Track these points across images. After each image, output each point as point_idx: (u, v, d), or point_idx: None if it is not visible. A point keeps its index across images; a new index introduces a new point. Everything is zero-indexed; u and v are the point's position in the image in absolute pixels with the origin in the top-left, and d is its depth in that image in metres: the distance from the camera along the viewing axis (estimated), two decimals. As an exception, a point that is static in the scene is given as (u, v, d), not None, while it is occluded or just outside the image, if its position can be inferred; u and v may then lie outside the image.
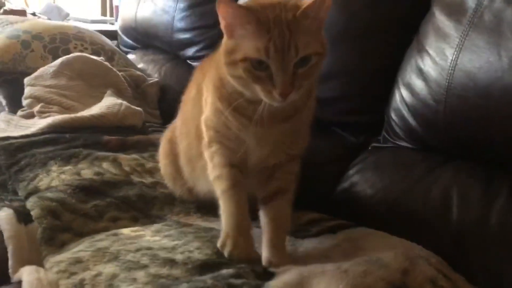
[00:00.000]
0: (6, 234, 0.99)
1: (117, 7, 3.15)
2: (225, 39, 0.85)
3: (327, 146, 1.37)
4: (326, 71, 1.30)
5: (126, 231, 1.03)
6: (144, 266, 0.88)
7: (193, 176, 1.11)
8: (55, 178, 1.18)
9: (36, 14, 3.08)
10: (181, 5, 2.06)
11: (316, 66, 0.84)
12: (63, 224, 1.03)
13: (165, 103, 1.98)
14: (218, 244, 0.93)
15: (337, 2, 1.32)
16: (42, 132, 1.45)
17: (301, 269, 0.86)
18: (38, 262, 0.95)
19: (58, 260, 0.91)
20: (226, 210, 0.93)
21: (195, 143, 1.05)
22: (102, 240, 0.98)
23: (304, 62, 0.80)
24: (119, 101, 1.63)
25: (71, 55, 1.84)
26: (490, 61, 0.99)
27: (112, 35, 2.57)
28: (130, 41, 2.46)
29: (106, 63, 1.89)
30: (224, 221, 0.93)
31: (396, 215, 1.11)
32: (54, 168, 1.22)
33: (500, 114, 0.99)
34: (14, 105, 1.77)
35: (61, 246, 0.98)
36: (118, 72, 1.91)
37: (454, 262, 0.95)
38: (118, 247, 0.95)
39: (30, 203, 1.08)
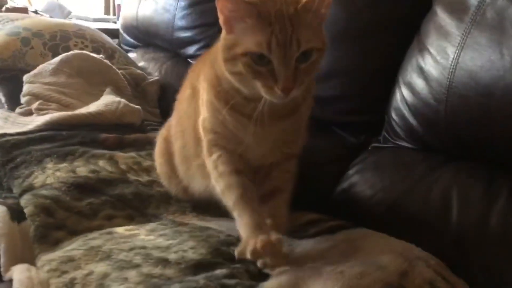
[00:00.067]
0: (-2, 232, 0.98)
1: (119, 5, 3.15)
2: (223, 35, 0.83)
3: (327, 146, 1.36)
4: (326, 70, 1.30)
5: (120, 229, 1.01)
6: (137, 266, 0.86)
7: (188, 175, 1.10)
8: (50, 175, 1.16)
9: (38, 12, 3.08)
10: (182, 3, 2.06)
11: (317, 62, 0.82)
12: (57, 222, 1.02)
13: (165, 102, 1.96)
14: (237, 253, 0.88)
15: (338, 1, 1.31)
16: (39, 129, 1.43)
17: (297, 270, 0.85)
18: (31, 260, 0.94)
19: (50, 258, 0.90)
20: (243, 221, 0.88)
21: (191, 142, 1.03)
22: (95, 239, 0.97)
23: (306, 57, 0.79)
24: (118, 99, 1.62)
25: (71, 52, 1.83)
26: (492, 59, 0.98)
27: (114, 33, 2.57)
28: (131, 40, 2.46)
29: (106, 61, 1.88)
30: (242, 231, 0.88)
31: (396, 216, 1.09)
32: (49, 165, 1.21)
33: (502, 113, 0.97)
34: (14, 102, 1.76)
35: (54, 244, 0.97)
36: (118, 70, 1.89)
37: (454, 263, 0.94)
38: (111, 246, 0.93)
39: (24, 200, 1.06)
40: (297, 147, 0.99)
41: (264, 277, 0.84)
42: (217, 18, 0.85)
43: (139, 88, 1.98)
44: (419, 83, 1.14)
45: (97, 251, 0.91)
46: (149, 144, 1.40)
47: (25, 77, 1.73)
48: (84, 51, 1.89)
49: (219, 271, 0.84)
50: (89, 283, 0.82)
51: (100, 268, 0.86)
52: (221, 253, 0.93)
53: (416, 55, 1.17)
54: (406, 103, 1.18)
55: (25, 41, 1.90)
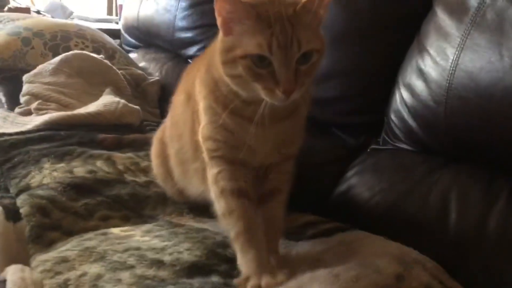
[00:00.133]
0: (-7, 232, 0.98)
1: (121, 6, 3.15)
2: (221, 37, 0.82)
3: (326, 147, 1.35)
4: (326, 71, 1.30)
5: (116, 230, 1.01)
6: (131, 267, 0.86)
7: (184, 179, 1.09)
8: (47, 175, 1.16)
9: (41, 12, 3.08)
10: (183, 4, 2.05)
11: (317, 63, 0.81)
12: (52, 222, 1.01)
13: (165, 102, 1.92)
14: (236, 283, 0.85)
15: (338, 1, 1.31)
16: (38, 129, 1.43)
17: (292, 274, 0.84)
18: (26, 261, 0.94)
19: (44, 259, 0.90)
20: (246, 258, 0.85)
21: (188, 146, 1.02)
22: (90, 240, 0.96)
23: (306, 59, 0.78)
24: (117, 99, 1.62)
25: (71, 52, 1.83)
26: (492, 61, 0.97)
27: (115, 34, 2.58)
28: (132, 40, 2.46)
29: (106, 61, 1.88)
30: (244, 266, 0.85)
31: (394, 218, 1.08)
32: (46, 165, 1.21)
33: (502, 115, 0.96)
34: (14, 102, 1.76)
35: (49, 245, 0.97)
36: (118, 70, 1.89)
37: (452, 266, 0.93)
38: (106, 247, 0.93)
39: (20, 200, 1.06)
40: (295, 148, 0.98)
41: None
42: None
43: (140, 88, 1.98)
44: (418, 85, 1.13)
45: (91, 252, 0.91)
46: (148, 145, 1.38)
47: (25, 77, 1.73)
48: (84, 51, 1.89)
49: (215, 279, 0.84)
50: (83, 284, 0.81)
51: (94, 269, 0.85)
52: (216, 255, 0.93)
53: (415, 56, 1.17)
54: (406, 104, 1.17)
55: (25, 41, 1.91)
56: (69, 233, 1.00)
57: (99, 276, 0.83)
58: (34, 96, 1.64)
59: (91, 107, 1.56)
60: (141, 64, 2.24)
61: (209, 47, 0.95)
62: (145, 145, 1.41)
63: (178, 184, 1.12)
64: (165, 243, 0.96)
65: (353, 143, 1.34)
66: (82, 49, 1.97)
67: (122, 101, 1.61)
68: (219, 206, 0.91)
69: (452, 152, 1.10)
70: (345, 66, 1.32)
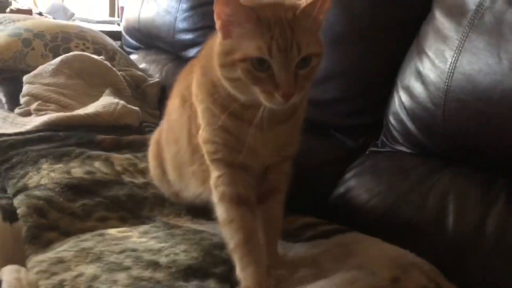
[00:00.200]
0: (-10, 233, 0.98)
1: (122, 8, 3.15)
2: (220, 40, 0.81)
3: (325, 149, 1.35)
4: (326, 73, 1.29)
5: (112, 231, 1.01)
6: (127, 268, 0.86)
7: (180, 181, 1.09)
8: (45, 176, 1.16)
9: (43, 14, 3.09)
10: (184, 5, 2.06)
11: (316, 67, 0.81)
12: (50, 222, 1.01)
13: (165, 104, 1.96)
14: None
15: (338, 3, 1.30)
16: (37, 129, 1.43)
17: (289, 277, 0.84)
18: (22, 261, 0.93)
19: (40, 259, 0.90)
20: (245, 270, 0.84)
21: (185, 149, 1.02)
22: (87, 240, 0.96)
23: (305, 63, 0.78)
24: (116, 100, 1.62)
25: (71, 53, 1.83)
26: (490, 63, 0.97)
27: (117, 35, 2.58)
28: (133, 42, 2.47)
29: (106, 62, 1.88)
30: (242, 278, 0.85)
31: (392, 221, 1.08)
32: (44, 166, 1.20)
33: (500, 118, 0.96)
34: (14, 103, 1.76)
35: (46, 245, 0.96)
36: (118, 71, 1.89)
37: (450, 269, 0.93)
38: (102, 247, 0.93)
39: (17, 201, 1.06)
40: (294, 149, 0.98)
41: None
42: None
43: (140, 89, 1.98)
44: (417, 87, 1.13)
45: (88, 252, 0.91)
46: (146, 146, 1.39)
47: (25, 78, 1.73)
48: (84, 53, 1.89)
49: (212, 284, 0.84)
50: (78, 285, 0.81)
51: (90, 270, 0.85)
52: (213, 256, 0.93)
53: (414, 59, 1.16)
54: (404, 107, 1.17)
55: (26, 42, 1.91)
56: (66, 234, 1.00)
57: (95, 277, 0.83)
58: (34, 97, 1.64)
59: (90, 108, 1.56)
60: (142, 65, 2.24)
61: (204, 49, 0.95)
62: (143, 146, 1.41)
63: (174, 186, 1.12)
64: (162, 244, 0.95)
65: (352, 145, 1.34)
66: (82, 50, 1.97)
67: (121, 102, 1.61)
68: (219, 212, 0.91)
69: (450, 154, 1.10)
70: (344, 68, 1.32)
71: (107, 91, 1.73)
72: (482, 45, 0.99)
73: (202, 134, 0.92)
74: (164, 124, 1.16)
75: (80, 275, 0.83)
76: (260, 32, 0.76)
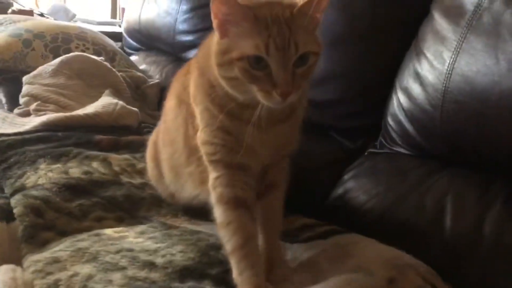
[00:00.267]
0: (-14, 232, 0.97)
1: (123, 9, 3.16)
2: (217, 39, 0.81)
3: (324, 151, 1.35)
4: (325, 74, 1.29)
5: (109, 231, 1.01)
6: (122, 268, 0.85)
7: (176, 183, 1.08)
8: (42, 176, 1.16)
9: (44, 15, 3.09)
10: (184, 7, 2.06)
11: (313, 66, 0.80)
12: (46, 222, 1.01)
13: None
14: None
15: (337, 4, 1.30)
16: (36, 130, 1.43)
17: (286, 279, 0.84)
18: (19, 261, 0.93)
19: (36, 259, 0.89)
20: (242, 274, 0.83)
21: (181, 150, 1.01)
22: (83, 240, 0.96)
23: (303, 61, 0.77)
24: (115, 100, 1.62)
25: (71, 54, 1.83)
26: (488, 65, 0.96)
27: (118, 37, 2.59)
28: (134, 43, 2.47)
29: (106, 63, 1.88)
30: (239, 282, 0.84)
31: (389, 222, 1.08)
32: (42, 166, 1.21)
33: (498, 119, 0.96)
34: (14, 103, 1.76)
35: (42, 245, 0.96)
36: (118, 72, 1.89)
37: (447, 270, 0.92)
38: (99, 247, 0.92)
39: (14, 200, 1.06)
40: (293, 148, 0.98)
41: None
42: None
43: (139, 90, 1.98)
44: (415, 88, 1.13)
45: (84, 252, 0.90)
46: (145, 146, 1.38)
47: (25, 78, 1.74)
48: (84, 53, 1.89)
49: (207, 286, 0.84)
50: (73, 285, 0.81)
51: (85, 269, 0.85)
52: (209, 257, 0.93)
53: (413, 60, 1.16)
54: (403, 108, 1.16)
55: (26, 43, 1.91)
56: (63, 234, 1.00)
57: (90, 277, 0.82)
58: (33, 97, 1.65)
59: (89, 109, 1.56)
60: (142, 66, 2.24)
61: (201, 50, 0.95)
62: (142, 146, 1.41)
63: (169, 188, 1.12)
64: (158, 245, 0.95)
65: (351, 147, 1.33)
66: (82, 51, 1.97)
67: (120, 102, 1.61)
68: (216, 214, 0.90)
69: (448, 155, 1.09)
70: (344, 69, 1.32)
71: (107, 91, 1.73)
72: (480, 46, 0.99)
73: (201, 136, 0.92)
74: (160, 125, 1.16)
75: (75, 274, 0.83)
76: (257, 31, 0.75)
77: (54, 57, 1.87)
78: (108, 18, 3.88)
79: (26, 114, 1.61)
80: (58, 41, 1.97)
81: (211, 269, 0.89)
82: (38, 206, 1.04)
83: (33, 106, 1.60)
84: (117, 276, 0.83)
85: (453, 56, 1.04)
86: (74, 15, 3.19)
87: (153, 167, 1.16)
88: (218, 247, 0.94)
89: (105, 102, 1.60)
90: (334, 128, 1.38)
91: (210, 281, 0.85)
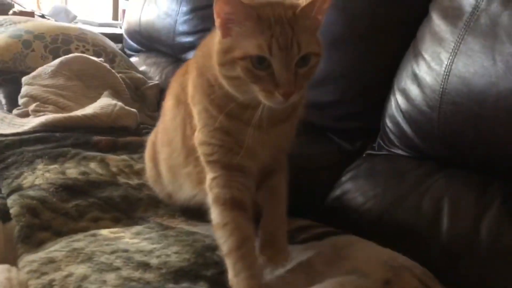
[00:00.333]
0: (-19, 232, 0.97)
1: (124, 10, 3.16)
2: (219, 39, 0.80)
3: (322, 152, 1.35)
4: (323, 75, 1.29)
5: (105, 232, 1.00)
6: (117, 269, 0.85)
7: (174, 183, 1.08)
8: (40, 176, 1.16)
9: (45, 16, 3.10)
10: (184, 8, 2.06)
11: (314, 67, 0.81)
12: (42, 222, 1.01)
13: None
14: None
15: (336, 5, 1.30)
16: (34, 130, 1.43)
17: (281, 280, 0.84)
18: (14, 261, 0.93)
19: (31, 259, 0.89)
20: (237, 276, 0.82)
21: (180, 150, 1.01)
22: (79, 241, 0.96)
23: (304, 62, 0.78)
24: (114, 101, 1.62)
25: (70, 55, 1.83)
26: (485, 66, 0.96)
27: (118, 38, 2.59)
28: (134, 44, 2.47)
29: (105, 64, 1.88)
30: (234, 284, 0.83)
31: (386, 224, 1.08)
32: (40, 166, 1.20)
33: (495, 121, 0.96)
34: (13, 104, 1.76)
35: (38, 245, 0.96)
36: (118, 74, 1.89)
37: (444, 272, 0.92)
38: (94, 248, 0.92)
39: (10, 200, 1.06)
40: (289, 147, 0.98)
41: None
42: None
43: (139, 92, 1.98)
44: (413, 90, 1.13)
45: (79, 253, 0.90)
46: (143, 147, 1.39)
47: (24, 79, 1.74)
48: (84, 54, 1.89)
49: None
50: (68, 285, 0.81)
51: (80, 270, 0.85)
52: (205, 258, 0.92)
53: (411, 61, 1.16)
54: (401, 110, 1.16)
55: (26, 44, 1.92)
56: (59, 234, 0.99)
57: (84, 277, 0.82)
58: (32, 98, 1.65)
59: (88, 109, 1.56)
60: (142, 68, 2.24)
61: (199, 49, 0.95)
62: (140, 147, 1.41)
63: (167, 188, 1.12)
64: (154, 245, 0.95)
65: (349, 148, 1.33)
66: (82, 52, 1.97)
67: (119, 103, 1.61)
68: (213, 215, 0.90)
69: (446, 157, 1.09)
70: (342, 70, 1.32)
71: (106, 92, 1.73)
72: (477, 47, 0.99)
73: (198, 136, 0.92)
74: (159, 126, 1.16)
75: (70, 275, 0.83)
76: (260, 30, 0.75)
77: (54, 58, 1.86)
78: (109, 20, 3.88)
79: (25, 114, 1.61)
80: (58, 42, 1.98)
81: (206, 270, 0.89)
82: (34, 206, 1.03)
83: (32, 107, 1.60)
84: (111, 277, 0.82)
85: (450, 57, 1.04)
86: (75, 17, 3.19)
87: (152, 167, 1.16)
88: (214, 248, 0.94)
89: (103, 103, 1.60)
90: (332, 130, 1.38)
91: (205, 283, 0.85)
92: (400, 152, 1.20)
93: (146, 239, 0.98)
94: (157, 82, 2.07)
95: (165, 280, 0.84)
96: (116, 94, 1.78)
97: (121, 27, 3.21)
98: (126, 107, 1.62)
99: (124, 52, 2.45)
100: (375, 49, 1.29)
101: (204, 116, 0.89)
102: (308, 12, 0.77)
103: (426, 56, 1.10)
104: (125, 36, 2.54)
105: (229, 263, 0.84)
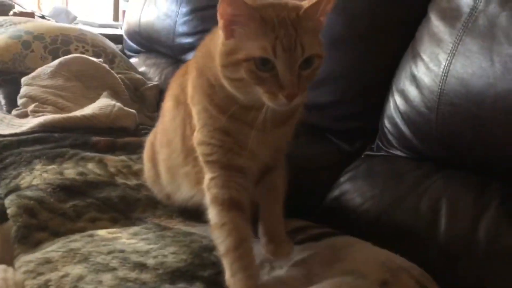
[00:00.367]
0: (-22, 233, 0.97)
1: (124, 12, 3.16)
2: (222, 40, 0.80)
3: (321, 153, 1.35)
4: (323, 76, 1.27)
5: (102, 232, 1.00)
6: (113, 269, 0.85)
7: (173, 184, 1.08)
8: (37, 176, 1.15)
9: (46, 17, 3.10)
10: (184, 9, 2.06)
11: (317, 69, 0.81)
12: (39, 223, 1.01)
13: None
14: None
15: (336, 6, 1.29)
16: (32, 131, 1.43)
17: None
18: (11, 261, 0.93)
19: (28, 259, 0.89)
20: (234, 276, 0.82)
21: (179, 151, 1.01)
22: (76, 241, 0.96)
23: (307, 64, 0.78)
24: (113, 102, 1.62)
25: (69, 56, 1.83)
26: (483, 67, 0.96)
27: (119, 39, 2.59)
28: (134, 45, 2.47)
29: (105, 65, 1.88)
30: (231, 284, 0.83)
31: (384, 225, 1.08)
32: (38, 166, 1.20)
33: (493, 122, 0.96)
34: (13, 104, 1.76)
35: (35, 246, 0.96)
36: (117, 74, 1.89)
37: (441, 274, 0.92)
38: (91, 248, 0.92)
39: (7, 201, 1.06)
40: (286, 148, 0.98)
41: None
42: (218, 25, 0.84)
43: (138, 92, 1.98)
44: (411, 91, 1.13)
45: (75, 253, 0.90)
46: (142, 148, 1.39)
47: (23, 80, 1.74)
48: (83, 55, 1.89)
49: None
50: (63, 285, 0.81)
51: (76, 270, 0.85)
52: (202, 259, 0.92)
53: (409, 62, 1.16)
54: (399, 111, 1.16)
55: (26, 44, 1.92)
56: (56, 234, 0.99)
57: (80, 278, 0.82)
58: (31, 98, 1.65)
59: (87, 110, 1.56)
60: (141, 69, 2.24)
61: (199, 50, 0.94)
62: (138, 148, 1.40)
63: (166, 189, 1.11)
64: (151, 246, 0.95)
65: (348, 149, 1.33)
66: (82, 53, 1.97)
67: (118, 104, 1.61)
68: (210, 215, 0.90)
69: (444, 158, 1.09)
70: (341, 71, 1.32)
71: (105, 93, 1.73)
72: (475, 48, 0.99)
73: (197, 136, 0.92)
74: (158, 126, 1.16)
75: (66, 275, 0.83)
76: (264, 32, 0.75)
77: (54, 59, 1.86)
78: (110, 21, 3.88)
79: (24, 115, 1.61)
80: (57, 43, 1.98)
81: (203, 271, 0.89)
82: (32, 207, 1.03)
83: (30, 107, 1.60)
84: (107, 277, 0.82)
85: (448, 58, 1.03)
86: (75, 18, 3.20)
87: (150, 167, 1.16)
88: (211, 249, 0.94)
89: (102, 103, 1.60)
90: (331, 131, 1.37)
91: (202, 283, 0.85)
92: (398, 153, 1.19)
93: (143, 240, 0.98)
94: (156, 83, 2.07)
95: (161, 280, 0.84)
96: (115, 94, 1.78)
97: (121, 28, 3.21)
98: (125, 108, 1.62)
99: (124, 53, 2.45)
100: (376, 49, 1.28)
101: (204, 116, 0.89)
102: (311, 13, 0.77)
103: (425, 57, 1.10)
104: (125, 37, 2.54)
105: (226, 263, 0.84)
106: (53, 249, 0.93)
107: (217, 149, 0.89)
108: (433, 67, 1.07)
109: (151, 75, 2.19)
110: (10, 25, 2.08)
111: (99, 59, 1.92)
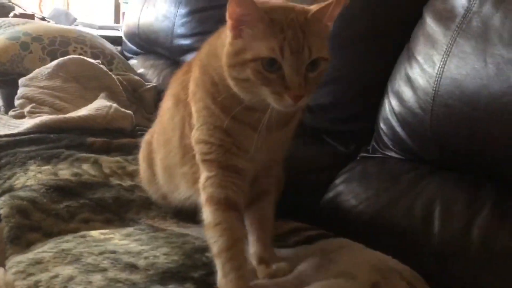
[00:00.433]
0: (-29, 233, 0.97)
1: (124, 13, 3.17)
2: (230, 40, 0.80)
3: (317, 155, 1.34)
4: (322, 77, 1.28)
5: (95, 233, 1.00)
6: (103, 270, 0.85)
7: (170, 183, 1.07)
8: (32, 177, 1.16)
9: (46, 19, 3.11)
10: (182, 11, 2.06)
11: (323, 72, 0.81)
12: (32, 223, 1.01)
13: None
14: None
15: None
16: (28, 131, 1.43)
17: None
18: (3, 262, 0.93)
19: (19, 260, 0.89)
20: (226, 277, 0.82)
21: (177, 150, 1.01)
22: (68, 242, 0.96)
23: (314, 67, 0.78)
24: (109, 103, 1.62)
25: (67, 57, 1.83)
26: (476, 68, 0.96)
27: (119, 41, 2.59)
28: (133, 47, 2.47)
29: (102, 66, 1.88)
30: (223, 285, 0.82)
31: (378, 226, 1.07)
32: (32, 167, 1.20)
33: (486, 123, 0.95)
34: (11, 105, 1.77)
35: (27, 246, 0.96)
36: (115, 76, 1.89)
37: (435, 275, 0.92)
38: (82, 249, 0.92)
39: (1, 201, 1.06)
40: (284, 153, 0.98)
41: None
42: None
43: (136, 94, 1.98)
44: (406, 92, 1.12)
45: (67, 254, 0.90)
46: (137, 149, 1.38)
47: (21, 81, 1.74)
48: (81, 56, 1.90)
49: None
50: (53, 286, 0.80)
51: (66, 271, 0.84)
52: (193, 260, 0.92)
53: (404, 63, 1.16)
54: (394, 112, 1.16)
55: (24, 46, 1.92)
56: (49, 235, 0.99)
57: (70, 278, 0.82)
58: (29, 99, 1.65)
59: (83, 111, 1.56)
60: (140, 70, 2.25)
61: (204, 48, 0.94)
62: (134, 149, 1.40)
63: (162, 189, 1.11)
64: (142, 247, 0.94)
65: (343, 151, 1.33)
66: (80, 54, 1.98)
67: (114, 105, 1.61)
68: (205, 215, 0.89)
69: (438, 159, 1.09)
70: (337, 73, 1.31)
71: (102, 94, 1.73)
72: (469, 49, 0.98)
73: (196, 134, 0.91)
74: (156, 126, 1.16)
75: (56, 276, 0.82)
76: (272, 33, 0.76)
77: (52, 60, 1.87)
78: (110, 23, 3.89)
79: (21, 116, 1.61)
80: (55, 44, 1.98)
81: (194, 271, 0.88)
82: (24, 207, 1.03)
83: (27, 108, 1.61)
84: (97, 278, 0.82)
85: (443, 59, 1.03)
86: (75, 19, 3.20)
87: (146, 168, 1.16)
88: (203, 249, 0.93)
89: (99, 104, 1.60)
90: (327, 132, 1.37)
91: (192, 284, 0.84)
92: (393, 154, 1.19)
93: (136, 241, 0.98)
94: (154, 84, 2.07)
95: (151, 281, 0.83)
96: (113, 96, 1.78)
97: (122, 30, 3.22)
98: (122, 109, 1.62)
99: (123, 55, 2.45)
100: (370, 52, 1.28)
101: (205, 114, 0.89)
102: (319, 17, 0.78)
103: (419, 58, 1.10)
104: (124, 38, 2.55)
105: (218, 264, 0.84)
106: (44, 249, 0.92)
107: (215, 148, 0.89)
108: (428, 68, 1.06)
109: (150, 76, 2.19)
110: (9, 26, 2.09)
111: (97, 61, 1.92)
